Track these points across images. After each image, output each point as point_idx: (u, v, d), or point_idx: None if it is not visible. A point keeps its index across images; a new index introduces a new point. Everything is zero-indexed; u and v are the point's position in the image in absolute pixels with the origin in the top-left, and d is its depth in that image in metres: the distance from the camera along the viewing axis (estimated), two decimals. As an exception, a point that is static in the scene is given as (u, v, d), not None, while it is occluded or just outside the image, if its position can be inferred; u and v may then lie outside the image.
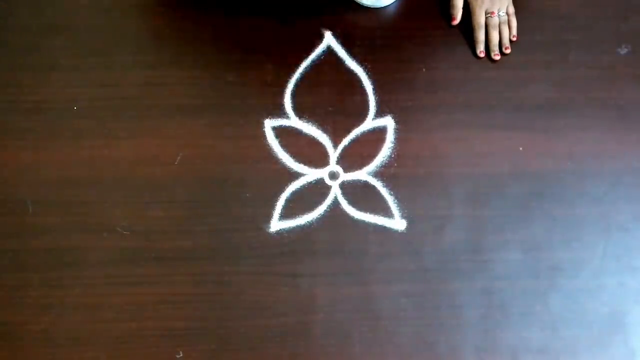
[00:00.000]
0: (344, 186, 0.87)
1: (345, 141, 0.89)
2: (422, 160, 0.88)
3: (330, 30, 0.95)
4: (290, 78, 0.92)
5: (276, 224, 0.84)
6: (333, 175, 0.88)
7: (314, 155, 0.88)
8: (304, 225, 0.84)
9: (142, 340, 0.78)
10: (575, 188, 0.87)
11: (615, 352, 0.79)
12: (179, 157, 0.88)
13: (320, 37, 0.95)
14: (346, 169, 0.88)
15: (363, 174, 0.87)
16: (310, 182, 0.87)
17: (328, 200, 0.86)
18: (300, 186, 0.87)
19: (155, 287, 0.81)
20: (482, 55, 0.94)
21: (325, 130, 0.89)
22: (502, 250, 0.83)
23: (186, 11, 0.96)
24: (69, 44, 0.94)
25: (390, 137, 0.89)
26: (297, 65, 0.93)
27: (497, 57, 0.94)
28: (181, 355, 0.78)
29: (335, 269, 0.82)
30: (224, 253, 0.83)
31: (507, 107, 0.91)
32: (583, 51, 0.95)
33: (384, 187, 0.87)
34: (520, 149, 0.89)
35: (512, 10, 0.96)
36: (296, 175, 0.87)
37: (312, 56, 0.94)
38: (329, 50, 0.94)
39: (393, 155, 0.88)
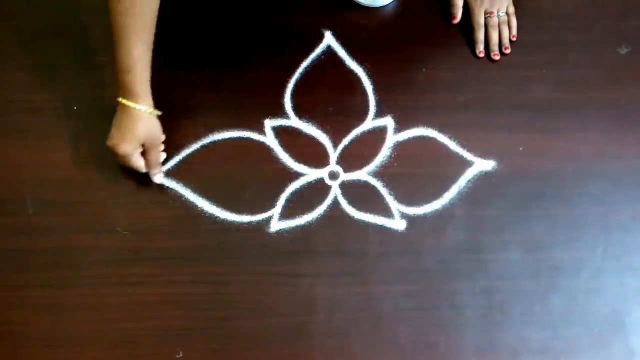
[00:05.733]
0: (344, 186, 0.87)
1: (345, 141, 0.89)
2: (422, 160, 0.88)
3: (330, 30, 0.95)
4: (290, 78, 0.92)
5: (276, 224, 0.84)
6: (333, 175, 0.87)
7: (314, 155, 0.88)
8: (304, 225, 0.84)
9: (142, 340, 0.78)
10: (576, 188, 0.87)
11: (615, 352, 0.79)
12: (179, 158, 0.88)
13: (320, 37, 0.95)
14: (346, 169, 0.88)
15: (363, 174, 0.87)
16: (310, 182, 0.87)
17: (328, 200, 0.86)
18: (300, 186, 0.87)
19: (155, 287, 0.81)
20: (481, 55, 0.94)
21: (325, 130, 0.89)
22: (502, 250, 0.83)
23: (185, 12, 0.96)
24: (68, 44, 0.94)
25: (390, 137, 0.89)
26: (297, 65, 0.93)
27: (497, 57, 0.94)
28: (181, 355, 0.78)
29: (335, 269, 0.82)
30: (224, 253, 0.83)
31: (507, 107, 0.91)
32: (583, 51, 0.95)
33: (384, 187, 0.87)
34: (520, 149, 0.89)
35: (512, 10, 0.96)
36: (296, 175, 0.87)
37: (312, 56, 0.94)
38: (329, 50, 0.94)
39: (393, 155, 0.88)
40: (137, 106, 0.80)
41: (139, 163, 0.84)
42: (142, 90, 0.81)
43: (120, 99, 0.81)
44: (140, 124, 0.81)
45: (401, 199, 0.86)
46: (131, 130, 0.81)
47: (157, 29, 0.96)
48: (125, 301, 0.80)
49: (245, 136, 0.88)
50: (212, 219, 0.84)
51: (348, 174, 0.87)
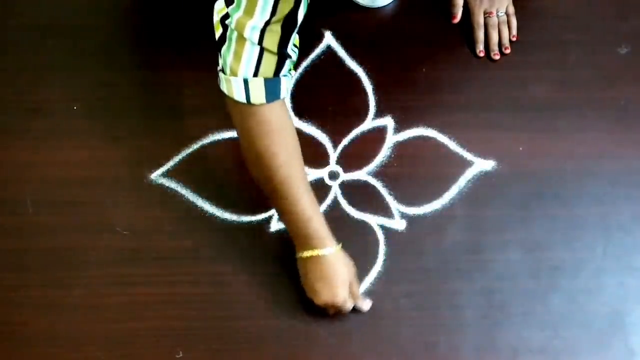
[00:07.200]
0: (344, 186, 0.87)
1: (345, 141, 0.89)
2: (422, 160, 0.88)
3: (330, 30, 0.95)
4: (290, 78, 0.92)
5: (276, 224, 0.84)
6: (333, 175, 0.87)
7: (314, 155, 0.88)
8: (304, 225, 0.84)
9: (142, 340, 0.78)
10: (576, 188, 0.87)
11: (615, 352, 0.79)
12: (179, 158, 0.87)
13: (320, 37, 0.95)
14: (346, 169, 0.88)
15: (363, 174, 0.87)
16: (310, 182, 0.87)
17: (328, 200, 0.86)
18: (300, 186, 0.86)
19: (155, 287, 0.81)
20: (481, 55, 0.94)
21: (325, 130, 0.89)
22: (502, 250, 0.83)
23: (186, 11, 0.96)
24: (69, 44, 0.94)
25: (390, 137, 0.89)
26: (297, 65, 0.93)
27: (497, 57, 0.94)
28: (181, 355, 0.78)
29: (335, 269, 0.82)
30: (224, 253, 0.83)
31: (507, 107, 0.91)
32: (583, 51, 0.95)
33: (384, 187, 0.87)
34: (520, 149, 0.89)
35: (512, 10, 0.96)
36: (296, 175, 0.87)
37: (312, 56, 0.94)
38: (329, 50, 0.94)
39: (393, 155, 0.88)
40: (329, 249, 0.74)
41: (349, 304, 0.77)
42: (326, 231, 0.75)
43: (308, 254, 0.74)
44: (342, 263, 0.75)
45: (401, 199, 0.86)
46: (339, 274, 0.74)
47: (158, 29, 0.96)
48: (125, 301, 0.80)
49: (245, 136, 0.88)
50: (212, 219, 0.84)
51: (348, 174, 0.87)
